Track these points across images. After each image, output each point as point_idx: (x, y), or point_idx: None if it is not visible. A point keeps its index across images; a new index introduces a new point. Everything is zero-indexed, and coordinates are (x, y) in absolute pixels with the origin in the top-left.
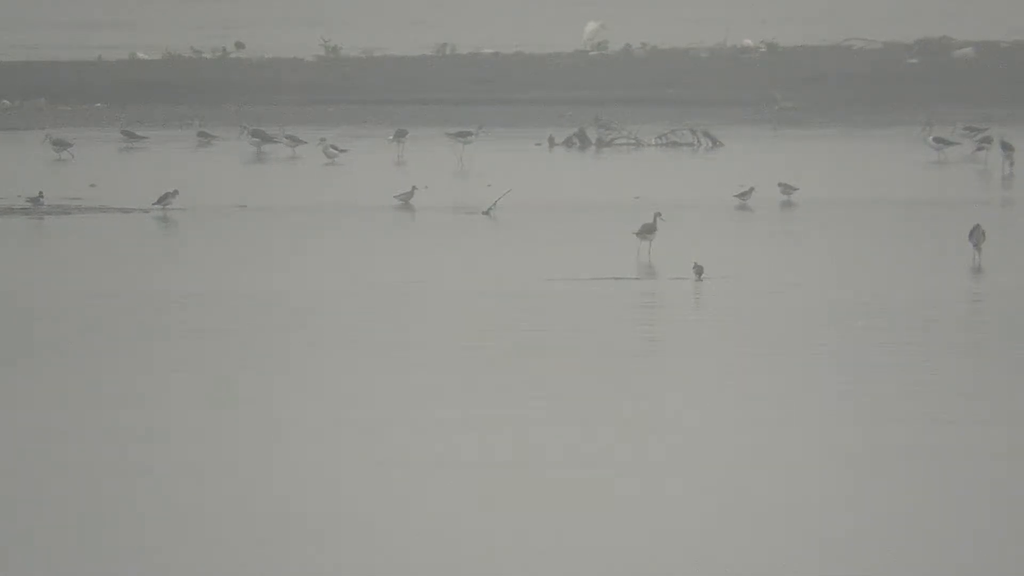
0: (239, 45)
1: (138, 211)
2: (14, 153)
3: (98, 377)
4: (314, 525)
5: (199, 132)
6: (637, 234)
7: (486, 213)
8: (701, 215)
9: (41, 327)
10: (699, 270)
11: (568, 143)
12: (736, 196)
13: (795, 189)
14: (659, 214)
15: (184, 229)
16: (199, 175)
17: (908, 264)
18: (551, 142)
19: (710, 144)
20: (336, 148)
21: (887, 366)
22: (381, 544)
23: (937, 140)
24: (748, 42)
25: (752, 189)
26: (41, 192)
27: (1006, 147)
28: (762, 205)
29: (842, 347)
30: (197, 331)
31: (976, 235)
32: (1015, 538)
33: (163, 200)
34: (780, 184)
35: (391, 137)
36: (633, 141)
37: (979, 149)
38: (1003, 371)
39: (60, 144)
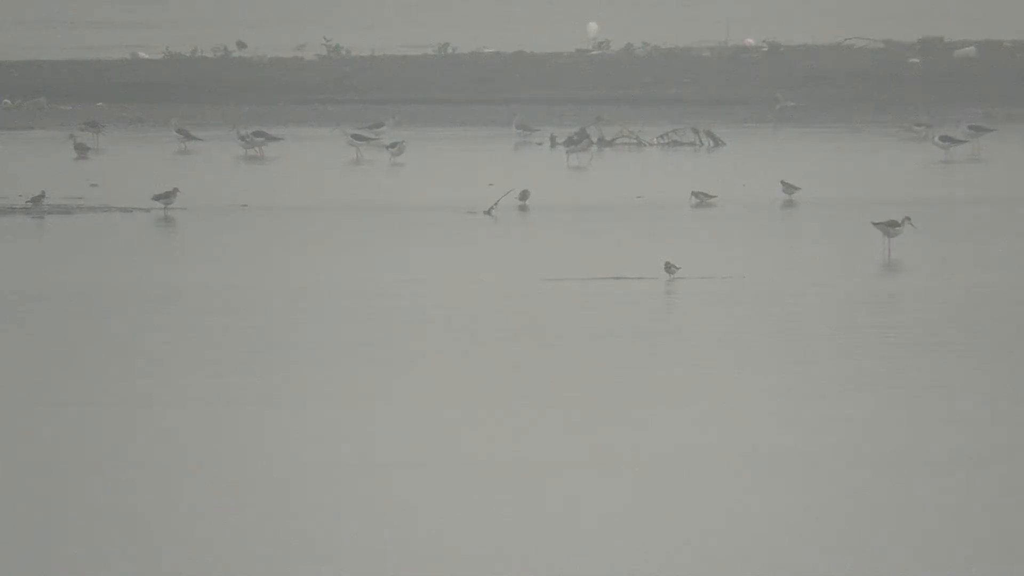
0: (240, 44)
1: (139, 210)
2: (14, 152)
3: (99, 375)
4: (313, 525)
5: (178, 129)
6: (876, 224)
7: (487, 213)
8: (702, 214)
9: (42, 325)
10: (671, 268)
11: (569, 142)
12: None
13: (797, 188)
14: (908, 218)
15: (185, 228)
16: (199, 174)
17: (924, 262)
18: (552, 141)
19: (712, 144)
20: (260, 137)
21: (903, 363)
22: (381, 545)
23: (943, 138)
24: (749, 42)
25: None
26: (43, 192)
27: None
28: (763, 205)
29: (849, 346)
30: (198, 329)
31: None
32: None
33: (163, 197)
34: (782, 183)
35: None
36: (634, 141)
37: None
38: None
39: (81, 148)
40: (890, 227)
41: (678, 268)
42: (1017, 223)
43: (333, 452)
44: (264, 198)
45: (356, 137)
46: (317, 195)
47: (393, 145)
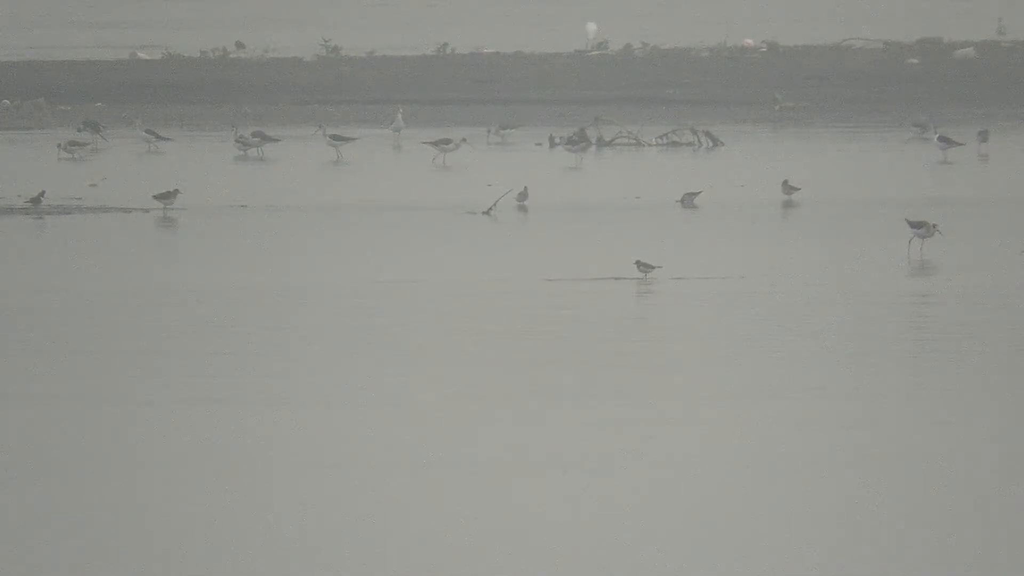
0: (239, 45)
1: (138, 210)
2: (14, 153)
3: (99, 375)
4: (313, 524)
5: (146, 130)
6: (909, 218)
7: (486, 213)
8: (701, 215)
9: (42, 325)
10: (645, 268)
11: (568, 143)
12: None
13: (797, 189)
14: (936, 226)
15: (185, 228)
16: (199, 175)
17: (927, 262)
18: (551, 142)
19: (711, 144)
20: (257, 137)
21: (902, 367)
22: (381, 545)
23: (942, 139)
24: (748, 42)
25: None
26: (42, 192)
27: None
28: (763, 205)
29: (849, 345)
30: (198, 329)
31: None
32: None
33: (163, 198)
34: (782, 184)
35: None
36: (633, 141)
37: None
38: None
39: (73, 145)
40: (922, 228)
41: (653, 268)
42: (1015, 224)
43: (333, 452)
44: (264, 198)
45: (334, 138)
46: (317, 195)
47: (447, 142)
